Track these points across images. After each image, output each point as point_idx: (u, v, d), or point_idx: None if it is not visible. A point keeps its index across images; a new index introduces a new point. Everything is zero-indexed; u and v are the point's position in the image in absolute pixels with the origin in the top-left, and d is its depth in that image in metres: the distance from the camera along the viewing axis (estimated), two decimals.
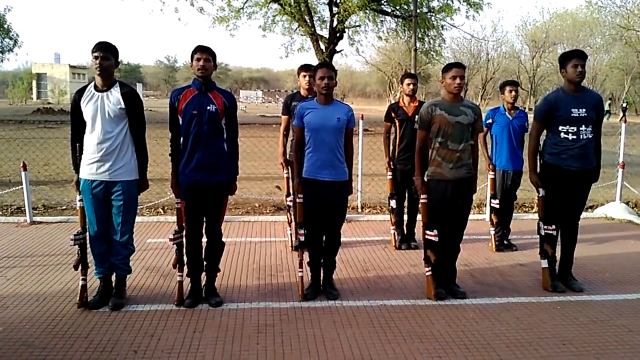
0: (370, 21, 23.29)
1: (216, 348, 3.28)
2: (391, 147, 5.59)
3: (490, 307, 3.99)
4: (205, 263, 4.02)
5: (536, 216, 4.86)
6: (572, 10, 47.90)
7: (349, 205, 4.52)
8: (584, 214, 5.05)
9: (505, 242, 5.60)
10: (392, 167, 5.54)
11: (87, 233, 3.86)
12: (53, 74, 56.39)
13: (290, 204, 5.28)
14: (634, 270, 4.89)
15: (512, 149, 5.44)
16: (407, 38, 24.07)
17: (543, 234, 4.35)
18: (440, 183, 4.05)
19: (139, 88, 46.19)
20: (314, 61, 14.23)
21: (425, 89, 50.71)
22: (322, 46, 22.33)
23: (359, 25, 23.64)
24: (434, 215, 4.09)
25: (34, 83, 55.87)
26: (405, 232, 5.61)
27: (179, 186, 3.88)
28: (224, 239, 4.09)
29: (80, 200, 3.84)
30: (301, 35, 23.46)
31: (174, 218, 4.56)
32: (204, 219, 3.94)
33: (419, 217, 4.40)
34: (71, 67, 57.61)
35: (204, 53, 3.78)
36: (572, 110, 4.11)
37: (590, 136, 4.17)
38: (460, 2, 21.76)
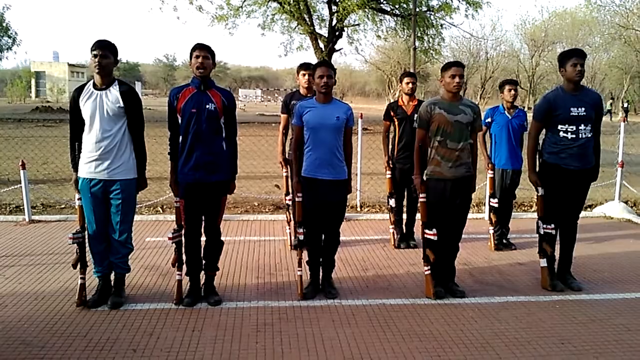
0: (370, 20, 23.28)
1: (215, 347, 3.27)
2: (390, 146, 5.59)
3: (489, 306, 4.00)
4: (204, 262, 4.01)
5: (535, 215, 4.87)
6: (571, 9, 48.02)
7: (348, 204, 4.51)
8: (583, 213, 5.06)
9: (504, 241, 5.60)
10: (391, 166, 5.54)
11: (86, 232, 3.86)
12: (52, 73, 56.34)
13: (290, 202, 5.28)
14: (633, 270, 4.90)
15: (511, 148, 5.44)
16: (406, 37, 24.04)
17: (542, 233, 4.35)
18: (439, 182, 4.05)
19: (138, 86, 46.19)
20: (313, 60, 14.23)
21: (424, 88, 50.73)
22: (321, 45, 22.32)
23: (358, 24, 23.65)
24: (433, 214, 4.09)
25: (33, 81, 55.85)
26: (404, 231, 5.61)
27: (178, 185, 3.88)
28: (223, 238, 4.08)
29: (79, 199, 3.84)
30: (300, 34, 23.45)
31: (173, 217, 4.56)
32: (203, 218, 3.94)
33: (418, 216, 4.40)
34: (70, 65, 57.56)
35: (203, 51, 3.77)
36: (572, 109, 4.11)
37: (589, 135, 4.17)
38: (459, 1, 21.76)
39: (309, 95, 5.09)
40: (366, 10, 21.52)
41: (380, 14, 22.99)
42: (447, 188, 4.04)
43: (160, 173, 8.06)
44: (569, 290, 4.31)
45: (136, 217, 4.26)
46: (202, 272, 4.03)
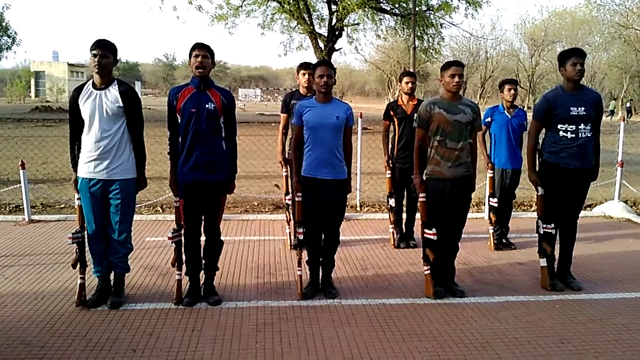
0: (369, 19, 23.27)
1: (215, 347, 3.27)
2: (390, 146, 5.59)
3: (488, 305, 4.00)
4: (203, 262, 4.01)
5: (535, 215, 4.87)
6: (571, 9, 48.07)
7: (347, 203, 4.51)
8: (582, 213, 5.05)
9: (504, 240, 5.60)
10: (390, 165, 5.53)
11: (86, 231, 3.86)
12: (51, 72, 56.26)
13: (289, 202, 5.28)
14: (633, 269, 4.90)
15: (510, 147, 5.44)
16: (406, 36, 24.04)
17: (542, 232, 4.35)
18: (439, 182, 4.05)
19: (138, 86, 46.23)
20: (312, 59, 14.24)
21: (424, 87, 50.75)
22: (321, 44, 22.31)
23: (358, 24, 23.65)
24: (432, 213, 4.09)
25: (32, 81, 55.79)
26: (404, 230, 5.61)
27: (178, 184, 3.88)
28: (222, 238, 4.08)
29: (79, 198, 3.84)
30: (300, 33, 23.43)
31: (173, 216, 4.56)
32: (203, 218, 3.94)
33: (418, 215, 4.40)
34: (69, 65, 57.49)
35: (202, 50, 3.77)
36: (571, 108, 4.11)
37: (589, 135, 4.16)
38: (459, 0, 21.72)
39: (308, 94, 5.08)
40: (366, 9, 21.51)
41: (380, 13, 22.98)
42: (447, 188, 4.04)
43: (159, 173, 8.06)
44: (568, 290, 4.31)
45: (136, 217, 4.26)
46: (202, 271, 4.03)
